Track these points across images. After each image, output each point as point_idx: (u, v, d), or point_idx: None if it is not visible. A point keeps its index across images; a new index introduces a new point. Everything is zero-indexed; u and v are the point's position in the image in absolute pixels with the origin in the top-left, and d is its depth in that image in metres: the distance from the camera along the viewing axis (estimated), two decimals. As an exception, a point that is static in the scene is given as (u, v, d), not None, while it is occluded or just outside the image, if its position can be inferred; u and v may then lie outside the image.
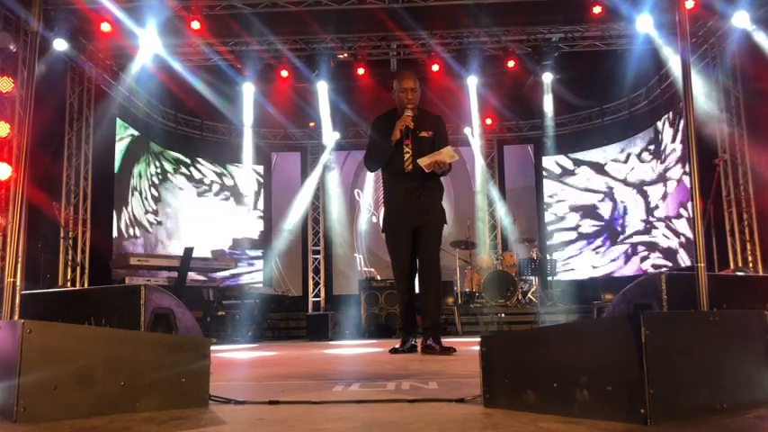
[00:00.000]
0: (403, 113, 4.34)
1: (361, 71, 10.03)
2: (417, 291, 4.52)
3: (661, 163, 10.59)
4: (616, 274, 11.16)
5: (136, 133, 10.53)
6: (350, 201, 12.60)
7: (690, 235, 9.50)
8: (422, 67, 9.70)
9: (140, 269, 7.36)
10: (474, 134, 11.76)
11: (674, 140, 10.25)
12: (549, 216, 12.19)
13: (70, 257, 8.62)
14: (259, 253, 12.23)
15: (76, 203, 8.90)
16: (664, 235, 10.50)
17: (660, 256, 10.54)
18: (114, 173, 9.88)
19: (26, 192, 2.08)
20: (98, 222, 9.22)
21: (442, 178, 4.41)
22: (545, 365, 1.56)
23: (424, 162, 4.17)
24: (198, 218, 11.66)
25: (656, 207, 10.73)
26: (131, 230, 10.24)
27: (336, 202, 12.46)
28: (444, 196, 4.51)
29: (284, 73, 10.18)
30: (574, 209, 12.00)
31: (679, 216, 10.06)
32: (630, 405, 1.34)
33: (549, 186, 12.25)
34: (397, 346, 4.43)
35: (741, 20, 7.91)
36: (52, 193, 8.44)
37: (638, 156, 11.15)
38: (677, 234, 10.13)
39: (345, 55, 10.13)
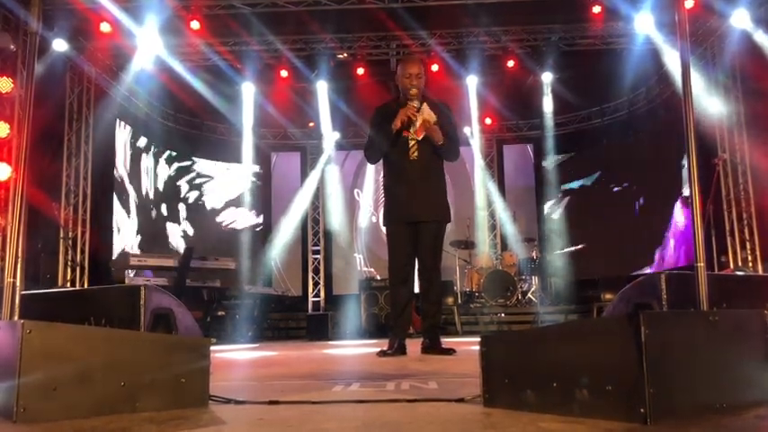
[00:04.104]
0: (406, 100, 4.11)
1: (360, 71, 10.03)
2: (417, 290, 4.44)
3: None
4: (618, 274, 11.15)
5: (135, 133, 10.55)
6: (350, 200, 12.59)
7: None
8: (421, 66, 9.70)
9: (140, 269, 7.36)
10: (473, 134, 11.76)
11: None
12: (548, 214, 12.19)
13: (70, 258, 8.62)
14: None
15: (76, 203, 8.90)
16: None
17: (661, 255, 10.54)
18: (114, 173, 9.88)
19: (26, 192, 2.08)
20: (98, 222, 9.22)
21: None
22: (545, 365, 1.56)
23: (414, 128, 4.02)
24: (197, 217, 11.66)
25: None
26: (131, 231, 10.25)
27: (336, 202, 12.45)
28: (444, 194, 4.37)
29: (284, 73, 10.18)
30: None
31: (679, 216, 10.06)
32: (630, 404, 1.34)
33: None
34: (385, 348, 4.14)
35: (740, 19, 7.91)
36: (52, 194, 8.44)
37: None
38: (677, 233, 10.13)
39: (345, 55, 10.14)
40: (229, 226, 12.07)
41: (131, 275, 7.39)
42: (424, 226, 4.13)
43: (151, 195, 10.91)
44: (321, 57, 9.87)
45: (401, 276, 4.16)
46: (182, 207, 11.52)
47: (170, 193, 11.35)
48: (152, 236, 10.71)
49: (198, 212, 11.74)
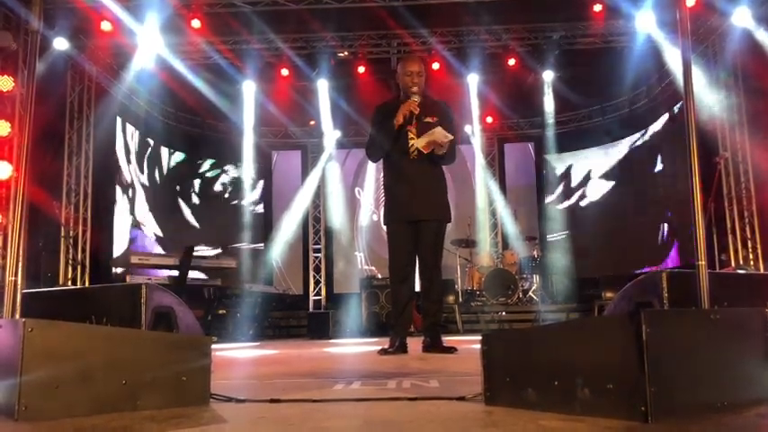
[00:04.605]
0: (407, 99, 4.12)
1: (361, 69, 10.03)
2: (418, 289, 4.44)
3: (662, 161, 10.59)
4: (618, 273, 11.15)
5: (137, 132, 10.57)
6: (350, 199, 12.59)
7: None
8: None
9: (141, 268, 7.37)
10: (474, 132, 11.77)
11: (674, 138, 10.25)
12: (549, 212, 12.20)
13: (71, 256, 8.63)
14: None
15: (77, 202, 8.91)
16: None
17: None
18: (115, 171, 9.89)
19: (27, 190, 2.08)
20: (99, 221, 9.22)
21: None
22: (546, 363, 1.56)
23: (420, 143, 4.02)
24: (197, 216, 11.67)
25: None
26: (131, 229, 10.26)
27: (337, 201, 12.45)
28: (445, 193, 4.37)
29: (284, 71, 10.18)
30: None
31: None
32: (631, 403, 1.34)
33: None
34: (386, 346, 4.15)
35: (742, 17, 7.90)
36: (53, 192, 8.45)
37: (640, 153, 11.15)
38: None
39: (346, 53, 10.13)
40: (231, 223, 12.07)
41: (117, 271, 7.39)
42: (425, 225, 4.14)
43: (152, 194, 10.91)
44: (322, 55, 9.87)
45: (401, 275, 4.17)
46: (184, 205, 11.52)
47: (171, 192, 11.35)
48: (155, 235, 10.73)
49: (200, 210, 11.74)
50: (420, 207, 4.14)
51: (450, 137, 4.03)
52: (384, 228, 4.40)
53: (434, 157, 4.14)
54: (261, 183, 12.60)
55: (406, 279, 4.18)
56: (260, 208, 12.52)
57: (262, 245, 12.27)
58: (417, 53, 9.76)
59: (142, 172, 10.70)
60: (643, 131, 11.06)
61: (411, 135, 4.14)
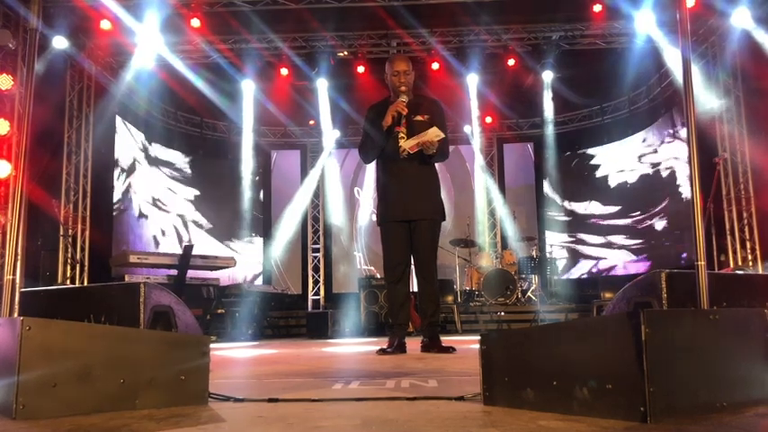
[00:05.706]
0: (396, 98, 4.14)
1: (361, 69, 10.02)
2: (416, 289, 4.42)
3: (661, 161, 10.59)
4: (616, 273, 11.16)
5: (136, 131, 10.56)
6: (350, 199, 12.59)
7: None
8: (422, 65, 9.71)
9: (140, 267, 7.37)
10: (474, 132, 11.77)
11: (674, 138, 10.25)
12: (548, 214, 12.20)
13: (70, 255, 8.62)
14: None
15: (76, 201, 8.90)
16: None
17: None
18: (114, 170, 9.88)
19: (26, 189, 2.08)
20: (98, 220, 9.22)
21: (438, 172, 4.31)
22: (544, 363, 1.56)
23: (408, 144, 4.02)
24: (197, 215, 11.66)
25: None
26: (132, 228, 10.25)
27: (336, 200, 12.45)
28: (444, 194, 4.35)
29: (284, 71, 10.17)
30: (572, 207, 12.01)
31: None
32: (630, 403, 1.34)
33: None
34: (384, 346, 4.17)
35: (742, 18, 7.91)
36: (52, 191, 8.44)
37: (639, 154, 11.15)
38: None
39: (345, 53, 10.13)
40: (229, 223, 12.06)
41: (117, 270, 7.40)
42: (419, 224, 4.15)
43: (152, 194, 10.90)
44: (321, 55, 9.87)
45: (396, 275, 4.18)
46: (184, 204, 11.52)
47: (170, 190, 11.34)
48: (159, 234, 10.72)
49: (199, 208, 11.73)
50: (413, 206, 4.14)
51: (442, 136, 4.04)
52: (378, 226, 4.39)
53: (425, 156, 4.15)
54: (260, 182, 12.58)
55: (401, 278, 4.19)
56: (258, 207, 12.50)
57: (261, 244, 12.27)
58: (417, 53, 9.77)
59: (142, 171, 10.69)
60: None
61: (401, 135, 4.13)
